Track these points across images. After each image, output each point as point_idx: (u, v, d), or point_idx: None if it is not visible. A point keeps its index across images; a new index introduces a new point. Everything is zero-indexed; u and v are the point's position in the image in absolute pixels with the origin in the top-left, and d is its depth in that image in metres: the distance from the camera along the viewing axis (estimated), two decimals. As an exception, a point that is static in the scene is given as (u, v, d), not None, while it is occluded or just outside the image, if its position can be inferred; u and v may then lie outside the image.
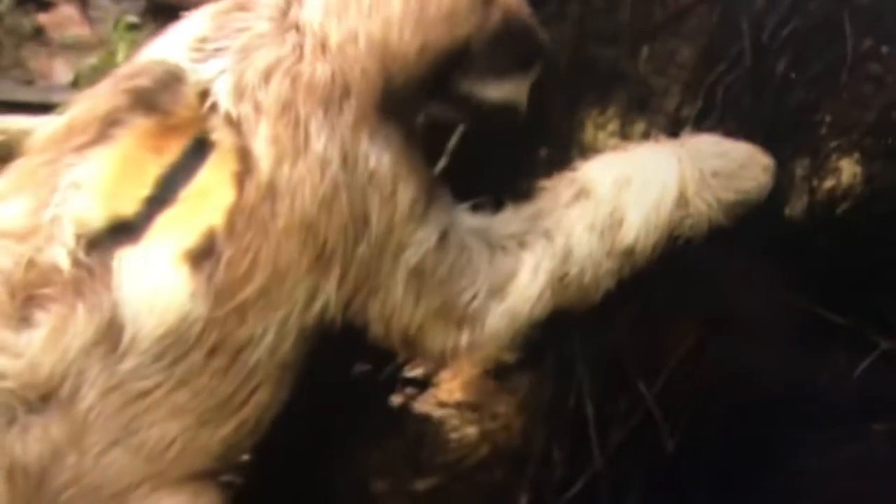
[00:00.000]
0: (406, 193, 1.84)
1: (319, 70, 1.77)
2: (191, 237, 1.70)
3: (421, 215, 1.86)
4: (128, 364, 1.67)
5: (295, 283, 1.75)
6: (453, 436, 2.09)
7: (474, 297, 1.90)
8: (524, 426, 2.09)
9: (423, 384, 2.12)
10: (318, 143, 1.75)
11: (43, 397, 1.65)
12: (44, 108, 4.13)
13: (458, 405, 2.11)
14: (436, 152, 2.16)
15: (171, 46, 1.84)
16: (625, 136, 2.15)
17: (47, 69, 4.50)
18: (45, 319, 1.67)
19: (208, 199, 1.72)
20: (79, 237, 1.69)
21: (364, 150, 1.79)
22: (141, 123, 1.75)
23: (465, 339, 1.89)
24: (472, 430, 2.09)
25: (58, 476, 1.65)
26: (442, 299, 1.88)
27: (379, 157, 1.80)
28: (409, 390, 2.11)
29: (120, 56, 4.15)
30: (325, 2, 1.81)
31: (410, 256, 1.84)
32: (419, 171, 1.87)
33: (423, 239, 1.86)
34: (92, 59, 4.27)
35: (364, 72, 1.79)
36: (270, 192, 1.73)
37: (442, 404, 2.11)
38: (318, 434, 2.06)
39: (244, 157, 1.74)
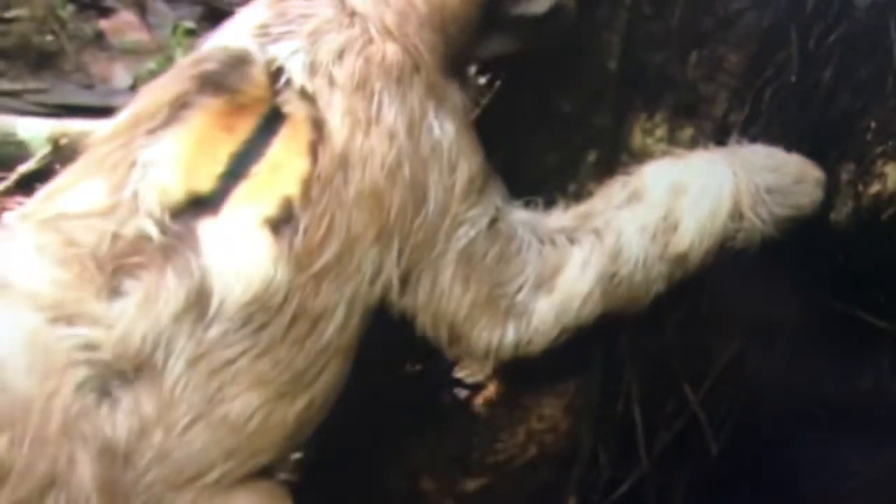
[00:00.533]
0: (465, 169, 1.88)
1: (390, 50, 1.86)
2: (269, 206, 1.74)
3: (477, 193, 1.90)
4: (215, 331, 1.69)
5: (362, 255, 1.78)
6: (502, 436, 2.09)
7: (521, 287, 1.91)
8: (571, 428, 2.09)
9: (473, 385, 2.12)
10: (389, 115, 1.81)
11: (136, 368, 1.66)
12: (104, 111, 4.19)
13: (507, 406, 2.10)
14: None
15: (233, 34, 1.90)
16: (672, 141, 2.14)
17: (107, 73, 4.56)
18: (136, 287, 1.69)
19: (283, 170, 1.76)
20: (163, 207, 1.72)
21: (430, 120, 1.84)
22: (210, 103, 1.80)
23: (511, 332, 1.90)
24: (520, 431, 2.09)
25: (143, 455, 1.66)
26: (490, 287, 1.89)
27: (443, 127, 1.86)
28: (459, 390, 2.12)
29: (177, 61, 4.22)
30: None
31: (462, 237, 1.87)
32: (477, 150, 1.93)
33: (476, 219, 1.89)
34: (150, 64, 4.32)
35: (426, 43, 1.88)
36: (343, 161, 1.78)
37: (491, 404, 2.11)
38: (369, 433, 2.07)
39: (318, 128, 1.79)
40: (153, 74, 4.48)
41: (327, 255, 1.75)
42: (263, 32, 1.86)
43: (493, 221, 1.91)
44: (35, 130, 3.82)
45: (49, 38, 4.56)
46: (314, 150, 1.77)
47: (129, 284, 1.68)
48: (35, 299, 1.68)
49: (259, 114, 1.79)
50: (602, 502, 2.10)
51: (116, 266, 1.69)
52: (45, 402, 1.62)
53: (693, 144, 2.10)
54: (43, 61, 4.53)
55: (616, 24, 2.13)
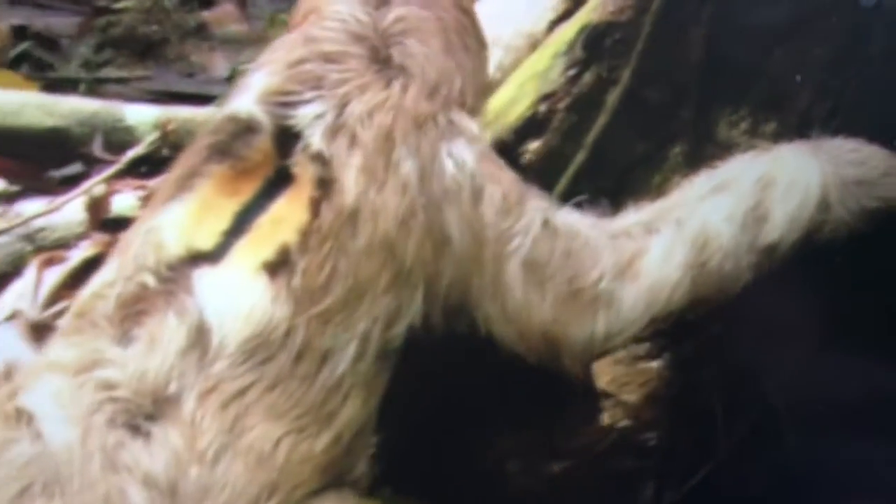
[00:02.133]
0: (494, 190, 1.86)
1: (422, 105, 1.86)
2: (267, 252, 1.74)
3: (516, 205, 1.87)
4: (219, 366, 1.69)
5: (373, 300, 1.77)
6: (585, 422, 2.09)
7: (601, 276, 1.88)
8: (652, 416, 2.09)
9: None
10: (404, 167, 1.80)
11: (155, 403, 1.67)
12: (203, 99, 4.29)
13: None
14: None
15: (245, 100, 1.88)
16: (756, 134, 2.12)
17: (208, 63, 4.64)
18: (142, 332, 1.71)
19: (283, 223, 1.76)
20: (159, 261, 1.75)
21: (441, 161, 1.83)
22: (216, 170, 1.81)
23: (601, 323, 1.87)
24: (602, 418, 2.10)
25: (186, 491, 1.64)
26: (567, 283, 1.87)
27: (458, 162, 1.84)
28: None
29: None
30: (417, 51, 1.91)
31: (519, 247, 1.84)
32: (503, 167, 1.91)
33: (527, 227, 1.86)
34: (248, 55, 4.40)
35: (462, 95, 1.93)
36: (353, 216, 1.77)
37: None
38: (458, 419, 2.08)
39: (324, 186, 1.78)
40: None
41: (330, 299, 1.74)
42: (278, 100, 1.84)
43: (546, 222, 1.89)
44: (142, 116, 3.84)
45: (154, 28, 4.65)
46: (316, 206, 1.76)
47: (136, 331, 1.71)
48: (55, 366, 1.74)
49: (263, 177, 1.80)
50: (679, 490, 2.11)
51: (123, 317, 1.73)
52: (82, 444, 1.63)
53: (777, 138, 2.09)
54: (148, 50, 4.61)
55: (702, 16, 2.12)
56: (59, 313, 3.01)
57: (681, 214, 1.92)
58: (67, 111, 3.84)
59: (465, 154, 1.86)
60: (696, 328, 2.07)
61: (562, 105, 2.25)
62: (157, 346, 1.69)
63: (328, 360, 1.74)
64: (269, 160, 1.81)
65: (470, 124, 1.91)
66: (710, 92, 2.18)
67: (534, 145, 2.27)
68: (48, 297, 3.08)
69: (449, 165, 1.83)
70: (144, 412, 1.67)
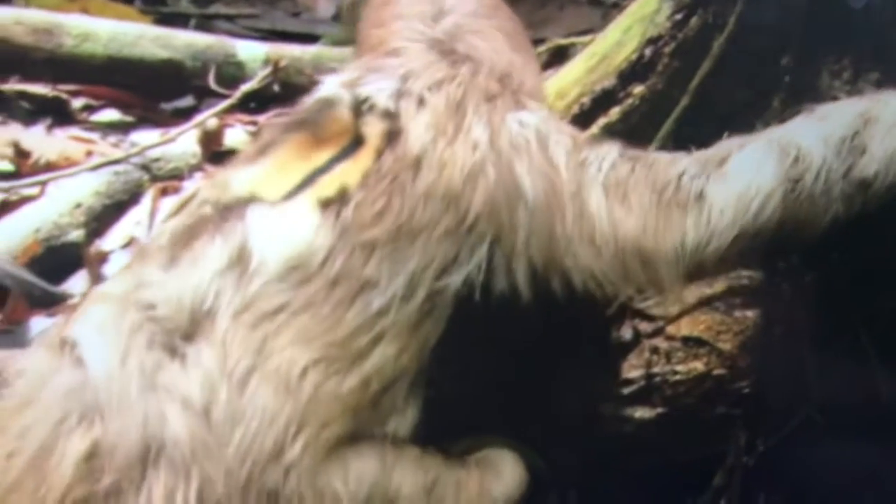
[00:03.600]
0: (562, 137, 1.86)
1: (492, 86, 1.90)
2: (326, 191, 1.75)
3: (586, 143, 1.88)
4: (255, 285, 1.68)
5: (427, 243, 1.75)
6: (679, 369, 2.08)
7: (683, 171, 1.84)
8: (746, 364, 2.06)
9: (653, 317, 2.10)
10: (475, 131, 1.82)
11: (191, 321, 1.67)
12: (308, 38, 4.32)
13: (685, 339, 2.09)
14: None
15: (325, 87, 1.94)
16: (858, 83, 2.09)
17: (312, 3, 4.66)
18: (187, 254, 1.73)
19: (346, 173, 1.77)
20: (220, 198, 1.78)
21: (509, 123, 1.84)
22: (294, 137, 1.84)
23: (690, 226, 1.80)
24: (697, 365, 2.07)
25: (219, 415, 1.63)
26: (651, 189, 1.82)
27: (523, 122, 1.85)
28: (639, 322, 2.10)
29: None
30: (481, 45, 1.99)
31: (597, 174, 1.82)
32: (570, 126, 1.94)
33: (602, 155, 1.85)
34: (352, -6, 4.42)
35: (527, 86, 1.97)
36: (416, 163, 1.78)
37: (670, 338, 2.09)
38: (550, 360, 2.07)
39: (391, 137, 1.80)
40: (354, 6, 4.57)
41: (378, 230, 1.73)
42: (354, 82, 1.90)
43: (622, 150, 1.87)
44: (252, 52, 3.90)
45: (262, -34, 4.70)
46: (380, 154, 1.78)
47: (183, 254, 1.73)
48: (102, 296, 1.77)
49: (339, 145, 1.81)
50: (772, 440, 2.08)
51: (173, 244, 1.75)
52: (121, 367, 1.63)
53: (879, 87, 2.04)
54: (255, -12, 4.68)
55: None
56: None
57: (774, 135, 1.87)
58: (181, 44, 3.89)
59: (529, 118, 1.87)
60: (790, 276, 2.06)
61: (667, 49, 2.23)
62: (198, 266, 1.70)
63: (365, 290, 1.72)
64: (347, 130, 1.83)
65: (535, 104, 1.93)
66: (813, 40, 2.14)
67: (638, 89, 2.26)
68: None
69: (515, 126, 1.84)
70: (181, 331, 1.67)
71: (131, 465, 1.59)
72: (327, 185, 1.76)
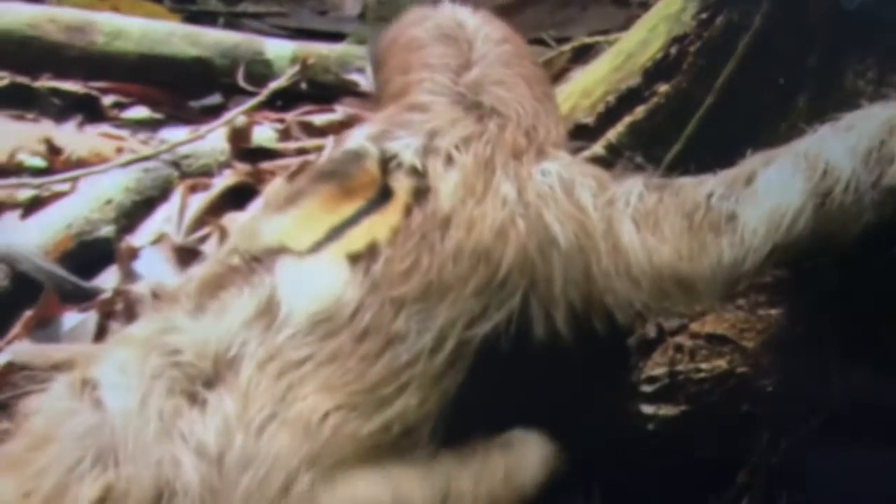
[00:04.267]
0: (586, 179, 1.88)
1: (521, 141, 1.91)
2: (355, 245, 1.76)
3: (611, 181, 1.89)
4: (283, 336, 1.68)
5: (456, 301, 1.76)
6: (703, 366, 2.08)
7: (712, 192, 1.83)
8: (770, 363, 2.05)
9: (679, 316, 2.08)
10: (503, 188, 1.84)
11: (215, 370, 1.66)
12: (335, 36, 4.32)
13: (709, 337, 2.08)
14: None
15: (352, 140, 1.95)
16: (883, 83, 2.07)
17: (339, 1, 4.66)
18: (215, 303, 1.73)
19: (376, 227, 1.78)
20: (249, 248, 1.79)
21: (535, 175, 1.87)
22: (322, 188, 1.84)
23: (726, 246, 1.80)
24: (721, 363, 2.07)
25: (231, 460, 1.62)
26: (682, 215, 1.82)
27: (546, 171, 1.87)
28: (663, 320, 2.09)
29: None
30: (507, 97, 1.98)
31: (625, 207, 1.83)
32: (592, 166, 1.94)
33: (628, 190, 1.86)
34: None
35: (554, 133, 1.99)
36: (445, 222, 1.79)
37: (694, 335, 2.09)
38: (575, 360, 2.01)
39: (419, 194, 1.81)
40: (381, 5, 4.59)
41: (409, 287, 1.74)
42: (380, 136, 1.91)
43: (647, 183, 1.88)
44: (280, 50, 3.91)
45: (289, -35, 4.70)
46: (409, 210, 1.79)
47: (210, 303, 1.73)
48: (127, 339, 1.77)
49: (366, 197, 1.82)
50: (794, 438, 2.05)
51: (201, 292, 1.75)
52: (140, 411, 1.62)
53: (903, 87, 2.03)
54: (283, -13, 4.68)
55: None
56: (203, 238, 3.12)
57: (800, 148, 1.85)
58: (211, 42, 3.91)
59: (551, 166, 1.89)
60: (815, 277, 2.04)
61: (692, 48, 2.22)
62: (226, 315, 1.70)
63: (393, 344, 1.72)
64: (374, 182, 1.84)
65: (558, 152, 1.95)
66: (838, 41, 2.12)
67: (663, 88, 2.25)
68: (192, 222, 3.16)
69: (539, 177, 1.86)
70: (204, 378, 1.66)
71: None
72: (356, 240, 1.77)
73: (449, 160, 1.86)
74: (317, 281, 1.73)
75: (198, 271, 1.83)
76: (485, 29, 2.11)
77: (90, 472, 1.59)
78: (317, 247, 1.76)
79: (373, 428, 1.70)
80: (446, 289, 1.76)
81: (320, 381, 1.68)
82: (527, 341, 1.83)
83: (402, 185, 1.83)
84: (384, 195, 1.82)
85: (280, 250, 1.76)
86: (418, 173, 1.84)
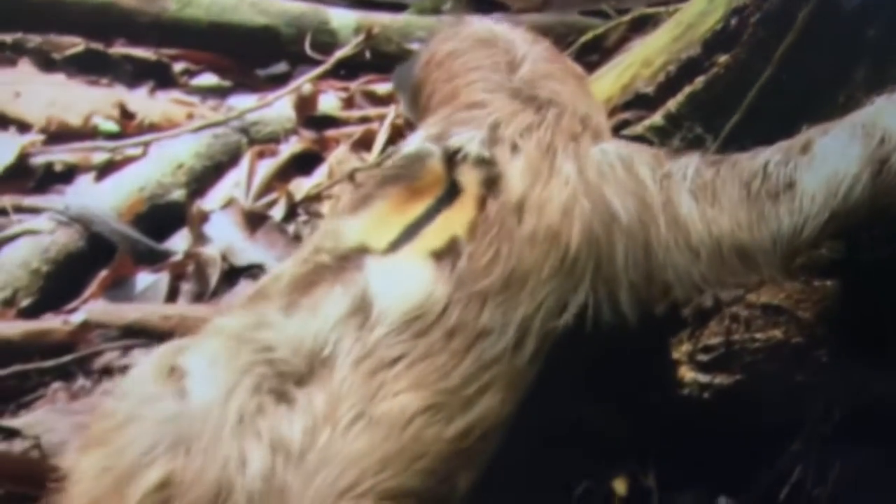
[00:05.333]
0: (643, 156, 1.86)
1: (577, 126, 1.92)
2: (436, 243, 1.74)
3: (667, 157, 1.86)
4: (377, 334, 1.66)
5: (536, 287, 1.74)
6: (758, 336, 2.05)
7: (768, 160, 1.80)
8: (825, 333, 2.02)
9: (734, 287, 2.04)
10: (564, 168, 1.83)
11: (309, 366, 1.64)
12: (396, 6, 4.29)
13: (765, 307, 2.05)
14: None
15: (411, 143, 1.93)
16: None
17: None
18: (308, 301, 1.71)
19: (452, 223, 1.77)
20: (336, 247, 1.77)
21: (593, 153, 1.86)
22: (390, 192, 1.83)
23: (784, 214, 1.77)
24: (776, 333, 2.04)
25: (313, 457, 1.59)
26: (739, 184, 1.80)
27: (604, 149, 1.87)
28: (719, 290, 2.04)
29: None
30: (560, 90, 2.00)
31: (683, 179, 1.81)
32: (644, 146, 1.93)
33: (685, 163, 1.84)
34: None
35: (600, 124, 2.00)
36: (519, 207, 1.78)
37: (750, 305, 2.06)
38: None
39: (490, 184, 1.80)
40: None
41: (491, 279, 1.72)
42: (440, 136, 1.89)
43: (703, 157, 1.86)
44: (345, 20, 3.92)
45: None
46: (482, 202, 1.78)
47: (302, 300, 1.71)
48: (220, 330, 1.73)
49: (434, 196, 1.80)
50: (850, 407, 2.04)
51: (293, 290, 1.73)
52: (223, 405, 1.61)
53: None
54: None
55: None
56: (271, 203, 3.14)
57: (857, 118, 1.81)
58: (277, 11, 3.92)
59: (609, 147, 1.90)
60: (872, 247, 1.99)
61: (752, 19, 2.17)
62: (319, 312, 1.69)
63: (480, 340, 1.71)
64: (440, 181, 1.83)
65: (612, 138, 1.98)
66: (896, 11, 2.08)
67: (722, 59, 2.21)
68: (260, 187, 3.19)
69: (598, 155, 1.86)
70: (296, 376, 1.64)
71: None
72: (435, 237, 1.76)
73: (514, 148, 1.85)
74: (406, 279, 1.72)
75: (286, 269, 1.81)
76: (517, 32, 2.14)
77: (161, 457, 1.59)
78: (395, 246, 1.76)
79: (455, 432, 1.68)
80: (525, 275, 1.75)
81: (411, 380, 1.66)
82: (596, 327, 1.81)
83: (470, 177, 1.82)
84: (452, 191, 1.81)
85: (363, 250, 1.76)
86: (486, 162, 1.83)
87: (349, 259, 1.74)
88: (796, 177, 1.78)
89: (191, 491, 1.57)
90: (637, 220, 1.80)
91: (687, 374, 2.10)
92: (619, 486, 2.08)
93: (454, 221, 1.78)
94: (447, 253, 1.74)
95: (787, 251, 1.81)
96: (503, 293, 1.73)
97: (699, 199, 1.81)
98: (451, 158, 1.85)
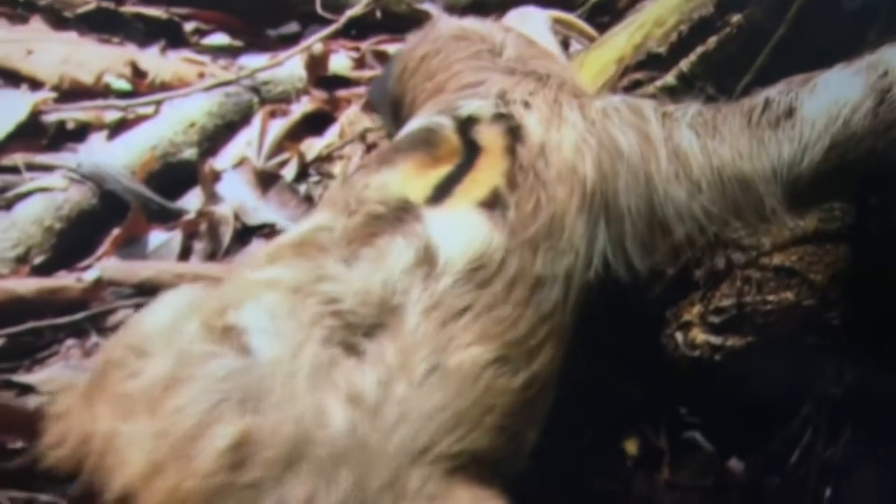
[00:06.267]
0: (647, 101, 1.86)
1: (580, 91, 1.94)
2: (480, 195, 1.71)
3: (671, 101, 1.85)
4: (443, 284, 1.62)
5: (571, 227, 1.72)
6: (770, 298, 2.03)
7: (769, 94, 1.78)
8: (837, 295, 2.00)
9: (747, 248, 2.06)
10: (571, 116, 1.82)
11: (378, 317, 1.60)
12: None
13: (777, 270, 2.03)
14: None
15: (418, 122, 1.90)
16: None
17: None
18: (370, 251, 1.65)
19: (486, 174, 1.74)
20: (385, 198, 1.72)
21: (596, 103, 1.86)
22: (412, 155, 1.79)
23: (784, 142, 1.74)
24: (788, 295, 2.02)
25: (390, 412, 1.54)
26: (739, 115, 1.78)
27: (609, 99, 1.87)
28: (732, 252, 2.06)
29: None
30: (553, 67, 2.00)
31: (683, 116, 1.79)
32: None
33: (686, 105, 1.82)
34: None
35: None
36: (541, 150, 1.77)
37: (762, 267, 2.05)
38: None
39: (514, 133, 1.79)
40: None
41: (538, 224, 1.69)
42: (446, 110, 1.87)
43: (706, 100, 1.85)
44: (355, -20, 3.91)
45: None
46: (512, 150, 1.76)
47: (364, 251, 1.65)
48: (273, 284, 1.64)
49: (454, 161, 1.77)
50: (862, 370, 2.00)
51: (351, 240, 1.67)
52: (291, 361, 1.54)
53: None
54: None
55: None
56: (282, 163, 3.11)
57: (861, 59, 1.78)
58: (288, -30, 3.87)
59: (612, 97, 1.90)
60: (882, 210, 1.96)
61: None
62: (385, 263, 1.64)
63: (538, 290, 1.68)
64: (456, 149, 1.79)
65: None
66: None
67: (735, 18, 2.17)
68: (272, 147, 3.16)
69: (600, 104, 1.86)
70: (366, 326, 1.59)
71: (277, 462, 1.49)
72: (477, 189, 1.73)
73: (526, 105, 1.84)
74: (465, 229, 1.68)
75: (332, 221, 1.74)
76: (487, 23, 2.13)
77: (229, 415, 1.50)
78: (433, 201, 1.72)
79: (520, 382, 1.65)
80: (562, 218, 1.73)
81: (479, 332, 1.63)
82: (611, 282, 1.79)
83: (490, 134, 1.80)
84: (472, 155, 1.78)
85: (409, 202, 1.72)
86: (504, 116, 1.82)
87: (406, 210, 1.70)
88: (797, 104, 1.75)
89: (267, 448, 1.49)
90: (639, 153, 1.78)
91: (699, 335, 2.08)
92: (630, 446, 2.08)
93: (487, 174, 1.75)
94: (495, 203, 1.71)
95: (788, 180, 1.76)
96: (549, 240, 1.71)
97: (700, 134, 1.78)
98: (465, 125, 1.81)
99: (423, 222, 1.67)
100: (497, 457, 1.64)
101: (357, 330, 1.58)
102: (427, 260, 1.64)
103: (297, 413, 1.50)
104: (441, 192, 1.73)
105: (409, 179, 1.76)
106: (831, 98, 1.74)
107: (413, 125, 1.90)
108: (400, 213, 1.69)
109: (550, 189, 1.73)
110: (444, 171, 1.76)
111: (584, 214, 1.75)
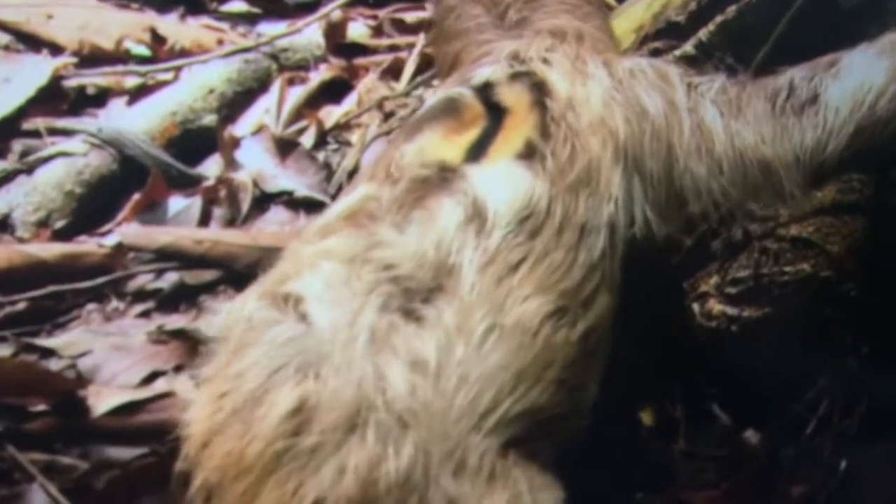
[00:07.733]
0: (674, 67, 1.80)
1: (600, 47, 1.88)
2: (516, 147, 1.67)
3: (696, 72, 1.79)
4: (496, 237, 1.59)
5: (608, 175, 1.68)
6: (787, 269, 2.00)
7: (792, 76, 1.74)
8: (854, 267, 1.98)
9: (764, 218, 2.01)
10: (597, 72, 1.76)
11: (434, 279, 1.57)
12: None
13: (794, 241, 2.01)
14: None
15: (438, 95, 1.87)
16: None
17: None
18: (420, 214, 1.62)
19: (518, 130, 1.70)
20: (426, 161, 1.68)
21: (624, 64, 1.80)
22: (438, 123, 1.74)
23: (808, 126, 1.71)
24: (805, 266, 1.99)
25: (450, 376, 1.52)
26: (764, 98, 1.73)
27: (636, 61, 1.82)
28: (749, 223, 2.02)
29: None
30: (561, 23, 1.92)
31: (708, 91, 1.74)
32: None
33: (710, 78, 1.77)
34: None
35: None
36: (570, 102, 1.71)
37: (779, 238, 2.02)
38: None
39: (539, 88, 1.74)
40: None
41: (576, 170, 1.65)
42: (463, 81, 1.82)
43: (728, 79, 1.78)
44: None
45: None
46: (541, 104, 1.71)
47: (415, 214, 1.62)
48: (329, 254, 1.61)
49: (480, 126, 1.72)
50: (879, 342, 1.98)
51: (401, 205, 1.64)
52: (350, 325, 1.51)
53: None
54: None
55: None
56: (301, 130, 3.08)
57: (883, 38, 1.75)
58: (307, -63, 3.82)
59: (638, 58, 1.85)
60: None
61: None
62: (436, 224, 1.60)
63: (585, 235, 1.64)
64: (480, 114, 1.74)
65: None
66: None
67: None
68: (290, 115, 3.13)
69: (627, 64, 1.80)
70: (424, 290, 1.56)
71: (338, 427, 1.46)
72: (510, 145, 1.69)
73: (545, 61, 1.79)
74: (508, 181, 1.64)
75: (378, 191, 1.70)
76: None
77: (290, 380, 1.48)
78: (469, 159, 1.68)
79: (579, 334, 1.61)
80: (598, 165, 1.68)
81: (535, 283, 1.58)
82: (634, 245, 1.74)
83: (514, 92, 1.75)
84: (497, 117, 1.73)
85: (448, 163, 1.68)
86: (525, 73, 1.77)
87: (448, 170, 1.66)
88: (821, 90, 1.71)
89: (328, 413, 1.46)
90: (664, 117, 1.73)
91: (715, 306, 2.05)
92: (646, 417, 2.05)
93: (520, 130, 1.70)
94: (532, 153, 1.67)
95: (810, 166, 1.72)
96: (588, 185, 1.67)
97: (724, 112, 1.73)
98: (484, 91, 1.77)
99: (467, 179, 1.64)
100: (558, 413, 1.61)
101: (415, 296, 1.55)
102: (477, 214, 1.60)
103: (356, 378, 1.48)
104: (476, 152, 1.69)
105: (441, 145, 1.71)
106: (856, 82, 1.70)
107: (433, 99, 1.86)
108: (443, 174, 1.66)
109: (583, 139, 1.69)
110: (473, 134, 1.72)
111: (619, 167, 1.70)
